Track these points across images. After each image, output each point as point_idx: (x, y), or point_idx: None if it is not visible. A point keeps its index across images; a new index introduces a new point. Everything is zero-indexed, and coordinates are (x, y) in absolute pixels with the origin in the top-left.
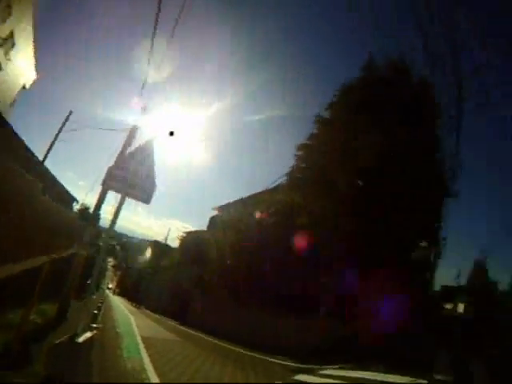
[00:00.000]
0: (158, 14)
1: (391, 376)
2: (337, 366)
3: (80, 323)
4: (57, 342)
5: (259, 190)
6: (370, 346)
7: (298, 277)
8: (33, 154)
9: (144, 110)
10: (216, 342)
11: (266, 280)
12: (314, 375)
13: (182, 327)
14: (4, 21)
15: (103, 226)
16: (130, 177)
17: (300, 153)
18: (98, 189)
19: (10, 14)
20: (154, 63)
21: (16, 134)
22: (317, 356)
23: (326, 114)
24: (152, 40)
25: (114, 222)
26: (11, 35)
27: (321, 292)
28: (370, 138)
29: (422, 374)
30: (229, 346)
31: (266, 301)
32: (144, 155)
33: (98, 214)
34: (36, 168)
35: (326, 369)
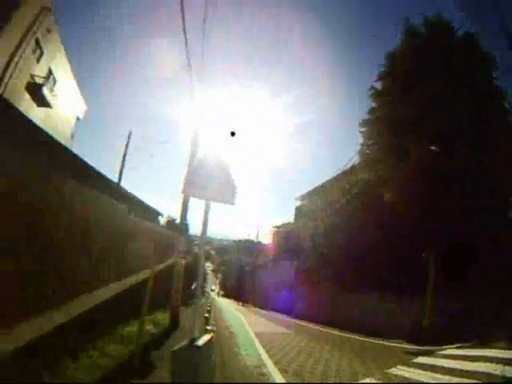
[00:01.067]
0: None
1: None
2: (455, 346)
3: (195, 327)
4: (177, 347)
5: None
6: (485, 322)
7: (398, 255)
8: (109, 179)
9: (200, 114)
10: (328, 331)
11: (366, 263)
12: (435, 356)
13: (290, 320)
14: (38, 61)
15: (193, 233)
16: (209, 181)
17: (364, 129)
18: (179, 199)
19: (42, 53)
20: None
21: (88, 163)
22: (433, 336)
23: (379, 85)
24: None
25: (204, 228)
26: (50, 72)
27: (425, 268)
28: (428, 101)
29: None
30: (342, 334)
31: (370, 284)
32: (217, 157)
33: (186, 223)
34: (115, 191)
35: (445, 349)
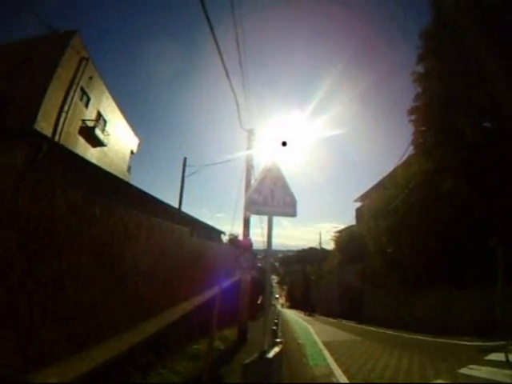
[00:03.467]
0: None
1: None
2: None
3: (265, 340)
4: (248, 360)
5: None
6: None
7: (462, 246)
8: (170, 205)
9: (249, 131)
10: (396, 334)
11: (430, 259)
12: (507, 352)
13: (359, 326)
14: (87, 106)
15: (255, 248)
16: (269, 197)
17: (414, 116)
18: (241, 217)
19: (89, 99)
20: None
21: (147, 193)
22: (505, 330)
23: (420, 68)
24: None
25: (269, 242)
26: (99, 114)
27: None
28: (474, 75)
29: None
30: (410, 336)
31: (435, 281)
32: (273, 173)
33: (249, 239)
34: (177, 215)
35: None
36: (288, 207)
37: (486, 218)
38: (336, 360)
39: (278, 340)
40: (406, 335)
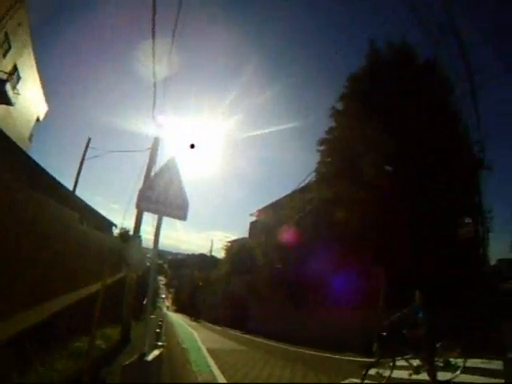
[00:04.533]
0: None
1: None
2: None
3: (146, 342)
4: (127, 362)
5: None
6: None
7: (349, 270)
8: (63, 185)
9: (160, 125)
10: (280, 346)
11: (316, 280)
12: (386, 368)
13: (243, 335)
14: (5, 56)
15: (146, 246)
16: (162, 196)
17: (322, 147)
18: (134, 211)
19: (9, 47)
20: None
21: (42, 168)
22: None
23: (340, 106)
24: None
25: (156, 241)
26: (15, 69)
27: (376, 283)
28: (386, 123)
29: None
30: (294, 349)
31: (321, 300)
32: (171, 173)
33: (139, 236)
34: (69, 198)
35: (397, 360)
36: (179, 210)
37: (374, 247)
38: (219, 367)
39: (160, 343)
40: (290, 348)
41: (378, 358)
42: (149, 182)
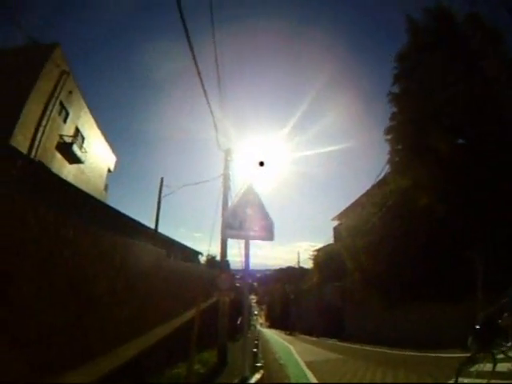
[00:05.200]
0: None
1: None
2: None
3: (245, 365)
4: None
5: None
6: None
7: (440, 261)
8: (145, 225)
9: (227, 152)
10: (379, 350)
11: (408, 274)
12: (484, 363)
13: (341, 344)
14: (65, 121)
15: (234, 268)
16: (246, 221)
17: (390, 136)
18: (218, 236)
19: (67, 114)
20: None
21: (124, 214)
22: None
23: (396, 89)
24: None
25: (247, 264)
26: (77, 130)
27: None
28: (449, 92)
29: None
30: (392, 352)
31: (415, 296)
32: (250, 197)
33: (227, 261)
34: (154, 237)
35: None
36: (265, 231)
37: (463, 232)
38: (319, 379)
39: (259, 364)
40: (388, 351)
41: (473, 353)
42: (231, 210)
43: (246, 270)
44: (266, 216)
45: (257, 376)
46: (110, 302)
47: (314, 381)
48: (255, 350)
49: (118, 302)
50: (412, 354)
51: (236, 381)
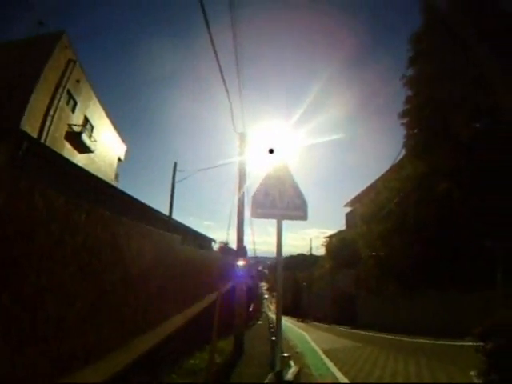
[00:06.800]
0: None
1: None
2: None
3: (276, 359)
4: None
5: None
6: None
7: (458, 248)
8: (161, 213)
9: (242, 136)
10: (396, 338)
11: (425, 261)
12: None
13: (355, 331)
14: (73, 110)
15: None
16: (278, 199)
17: (405, 119)
18: (233, 223)
19: (75, 102)
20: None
21: (138, 200)
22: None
23: (410, 72)
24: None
25: (279, 248)
26: (86, 120)
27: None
28: (473, 73)
29: None
30: (411, 339)
31: (430, 284)
32: (282, 172)
33: (244, 247)
34: (168, 223)
35: None
36: (299, 210)
37: (482, 219)
38: (340, 368)
39: (286, 354)
40: (405, 339)
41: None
42: (259, 187)
43: (279, 255)
44: (299, 194)
45: (293, 370)
46: (125, 291)
47: (335, 369)
48: (274, 338)
49: (133, 291)
50: (431, 342)
51: (270, 375)
